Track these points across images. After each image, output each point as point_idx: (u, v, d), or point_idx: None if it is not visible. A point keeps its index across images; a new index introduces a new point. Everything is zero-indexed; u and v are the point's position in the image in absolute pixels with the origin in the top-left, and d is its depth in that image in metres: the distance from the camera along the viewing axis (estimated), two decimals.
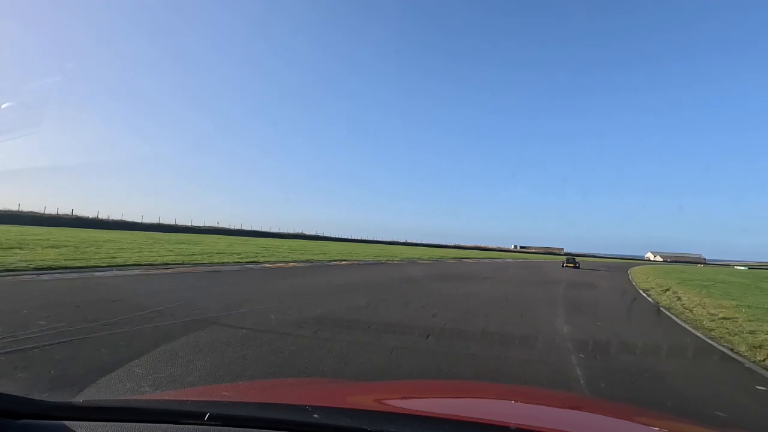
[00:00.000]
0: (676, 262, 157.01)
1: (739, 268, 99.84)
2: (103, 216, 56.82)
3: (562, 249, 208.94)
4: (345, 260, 25.26)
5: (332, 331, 6.11)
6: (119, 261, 14.10)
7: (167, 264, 14.83)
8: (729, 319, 9.40)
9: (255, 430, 1.02)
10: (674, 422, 1.95)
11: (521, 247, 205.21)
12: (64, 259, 13.09)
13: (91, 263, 12.92)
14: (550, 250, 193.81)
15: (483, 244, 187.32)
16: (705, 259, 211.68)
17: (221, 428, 1.04)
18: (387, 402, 1.65)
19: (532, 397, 2.04)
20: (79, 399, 1.24)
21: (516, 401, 1.80)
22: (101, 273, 11.34)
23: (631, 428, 1.54)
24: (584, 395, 3.86)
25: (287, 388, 2.12)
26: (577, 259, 45.97)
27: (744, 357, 6.18)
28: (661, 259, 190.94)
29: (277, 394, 1.82)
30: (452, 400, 1.85)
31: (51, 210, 51.26)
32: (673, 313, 10.75)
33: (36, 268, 10.81)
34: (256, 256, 21.43)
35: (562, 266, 37.51)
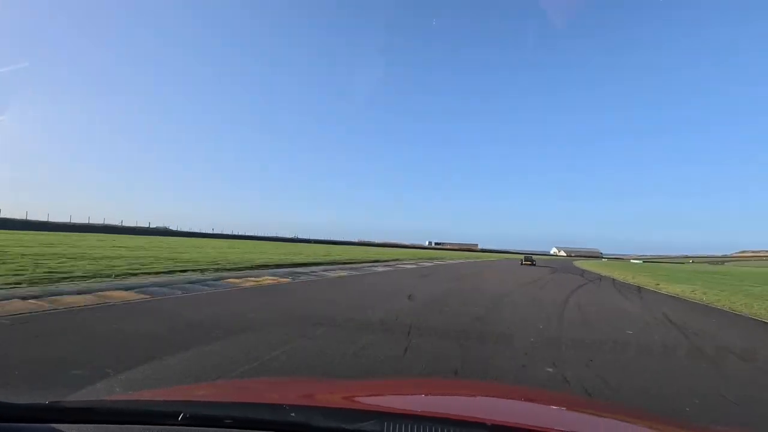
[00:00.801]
0: (578, 256, 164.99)
1: (634, 261, 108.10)
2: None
3: (477, 245, 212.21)
4: None
5: None
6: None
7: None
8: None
9: (230, 430, 1.01)
10: (673, 422, 1.93)
11: (436, 244, 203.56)
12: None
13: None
14: (466, 247, 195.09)
15: (395, 241, 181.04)
16: (602, 253, 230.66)
17: (197, 429, 1.02)
18: (365, 400, 1.60)
19: (516, 395, 1.96)
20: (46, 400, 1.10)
21: (497, 398, 1.79)
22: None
23: (627, 428, 1.48)
24: (581, 395, 3.73)
25: (265, 387, 2.07)
26: (533, 257, 46.98)
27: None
28: (565, 254, 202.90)
29: (253, 393, 1.79)
30: (432, 398, 1.79)
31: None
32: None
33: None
34: None
35: (521, 264, 39.54)
